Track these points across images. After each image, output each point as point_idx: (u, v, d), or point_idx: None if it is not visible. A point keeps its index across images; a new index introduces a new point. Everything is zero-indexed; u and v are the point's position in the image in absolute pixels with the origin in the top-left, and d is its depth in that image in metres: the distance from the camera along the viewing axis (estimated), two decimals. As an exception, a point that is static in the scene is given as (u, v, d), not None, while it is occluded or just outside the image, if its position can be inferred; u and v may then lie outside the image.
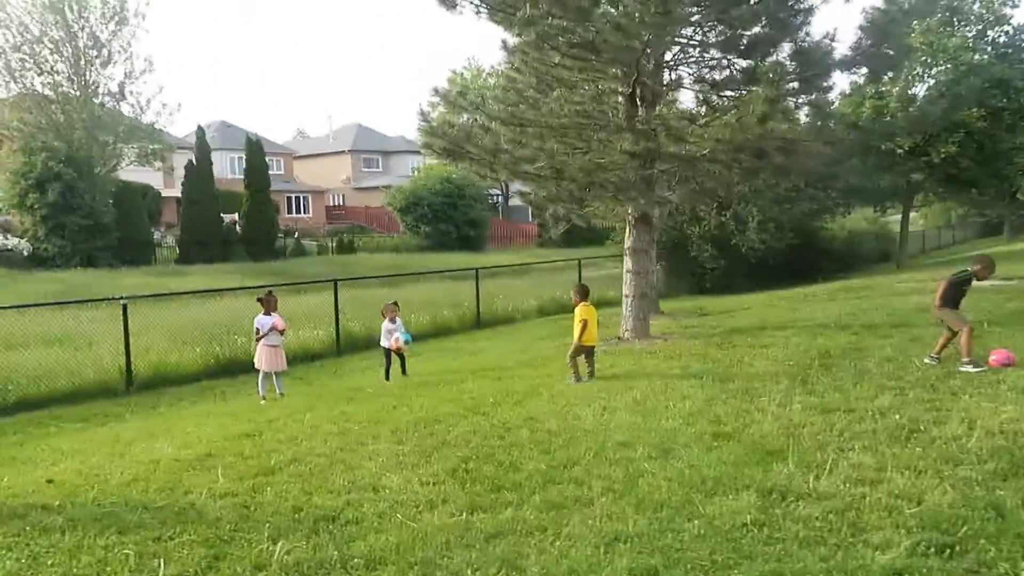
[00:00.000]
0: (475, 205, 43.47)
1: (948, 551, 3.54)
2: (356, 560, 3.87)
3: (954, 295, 7.83)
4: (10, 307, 12.95)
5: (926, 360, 7.78)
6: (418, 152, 55.19)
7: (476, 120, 15.11)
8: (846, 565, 3.48)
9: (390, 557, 3.89)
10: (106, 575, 3.87)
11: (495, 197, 52.59)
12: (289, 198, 51.29)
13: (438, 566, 3.77)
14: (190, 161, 36.17)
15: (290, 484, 5.20)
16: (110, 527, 4.49)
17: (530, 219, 50.17)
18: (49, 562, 4.07)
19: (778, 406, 6.33)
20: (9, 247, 30.98)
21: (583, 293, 8.70)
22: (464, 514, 4.38)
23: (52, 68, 34.74)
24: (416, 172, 48.21)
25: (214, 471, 5.66)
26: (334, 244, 40.08)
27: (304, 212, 52.03)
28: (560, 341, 12.43)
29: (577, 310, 8.43)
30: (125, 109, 36.74)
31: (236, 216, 38.00)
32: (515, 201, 51.52)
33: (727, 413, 6.21)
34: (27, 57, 34.30)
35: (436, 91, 18.30)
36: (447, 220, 42.00)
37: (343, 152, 59.43)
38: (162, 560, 4.00)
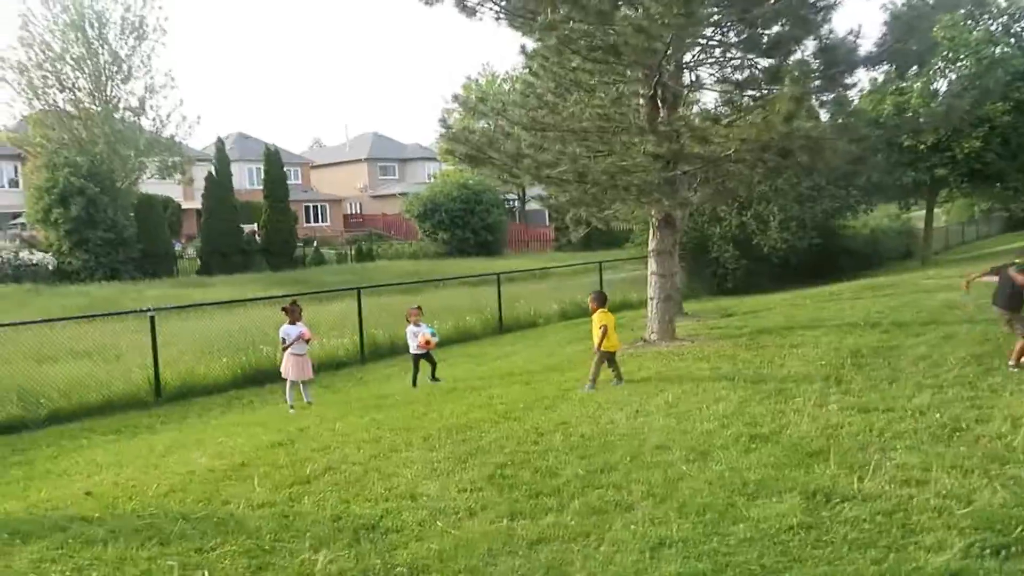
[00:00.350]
0: (492, 210, 43.47)
1: (1004, 552, 3.47)
2: (400, 569, 3.85)
3: (1020, 295, 7.41)
4: (39, 321, 13.08)
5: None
6: (434, 159, 55.39)
7: (497, 125, 15.13)
8: (899, 568, 3.42)
9: (434, 565, 3.87)
10: (151, 586, 3.89)
11: (511, 202, 52.59)
12: (307, 207, 51.59)
13: (483, 574, 3.75)
14: (210, 173, 36.48)
15: (327, 493, 5.19)
16: (152, 539, 4.51)
17: (547, 223, 50.11)
18: (94, 575, 4.09)
19: (814, 406, 6.25)
20: (34, 262, 31.36)
21: (601, 300, 8.56)
22: (505, 521, 4.35)
23: (74, 84, 35.19)
24: (433, 179, 48.42)
25: (250, 481, 5.67)
26: (353, 252, 40.23)
27: (322, 221, 52.30)
28: (584, 345, 12.37)
29: (595, 317, 8.30)
30: (145, 123, 37.16)
31: (256, 226, 38.27)
32: (532, 205, 51.49)
33: (762, 414, 6.14)
34: (49, 74, 34.76)
35: (456, 98, 18.38)
36: (464, 226, 42.02)
37: (360, 160, 59.72)
38: (206, 571, 4.00)
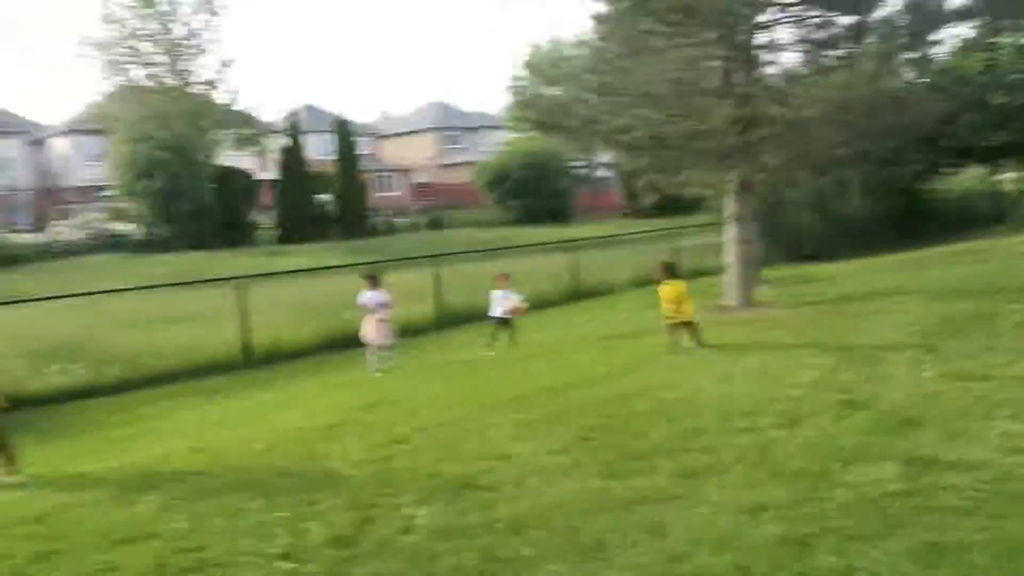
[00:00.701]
0: (561, 178, 43.23)
1: (1121, 522, 3.37)
2: (499, 525, 3.98)
3: None
4: (133, 288, 13.80)
5: None
6: (501, 127, 55.29)
7: (569, 92, 15.03)
8: (1006, 535, 3.36)
9: (532, 522, 3.98)
10: (266, 535, 4.12)
11: (581, 168, 52.12)
12: (377, 177, 52.25)
13: (580, 531, 3.84)
14: (284, 145, 37.33)
15: (420, 452, 5.38)
16: (262, 492, 4.77)
17: (615, 190, 49.54)
18: (212, 524, 4.36)
19: (906, 374, 6.11)
20: (122, 233, 32.84)
21: (668, 271, 8.32)
22: (598, 481, 4.44)
23: (151, 61, 36.38)
24: (501, 147, 48.30)
25: (344, 440, 5.91)
26: (423, 221, 40.72)
27: (392, 191, 52.95)
28: (652, 313, 12.35)
29: (663, 289, 8.12)
30: (219, 97, 38.22)
31: (328, 196, 39.04)
32: (602, 172, 50.98)
33: (853, 381, 6.03)
34: (128, 51, 36.01)
35: (527, 65, 18.17)
36: (533, 194, 41.90)
37: (427, 130, 60.07)
38: (315, 522, 4.22)
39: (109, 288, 14.39)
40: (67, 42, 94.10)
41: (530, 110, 12.17)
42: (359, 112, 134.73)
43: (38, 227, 36.90)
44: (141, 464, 6.00)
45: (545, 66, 30.65)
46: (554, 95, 16.42)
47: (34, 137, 46.86)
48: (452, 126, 61.02)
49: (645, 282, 16.70)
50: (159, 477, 5.43)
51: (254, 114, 39.24)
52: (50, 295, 13.80)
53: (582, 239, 19.81)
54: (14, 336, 11.98)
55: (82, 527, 4.54)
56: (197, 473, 5.42)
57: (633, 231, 23.45)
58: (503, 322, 10.19)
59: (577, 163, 48.30)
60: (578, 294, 16.11)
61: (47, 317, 13.57)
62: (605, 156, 41.47)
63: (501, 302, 10.12)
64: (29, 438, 7.24)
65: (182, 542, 4.14)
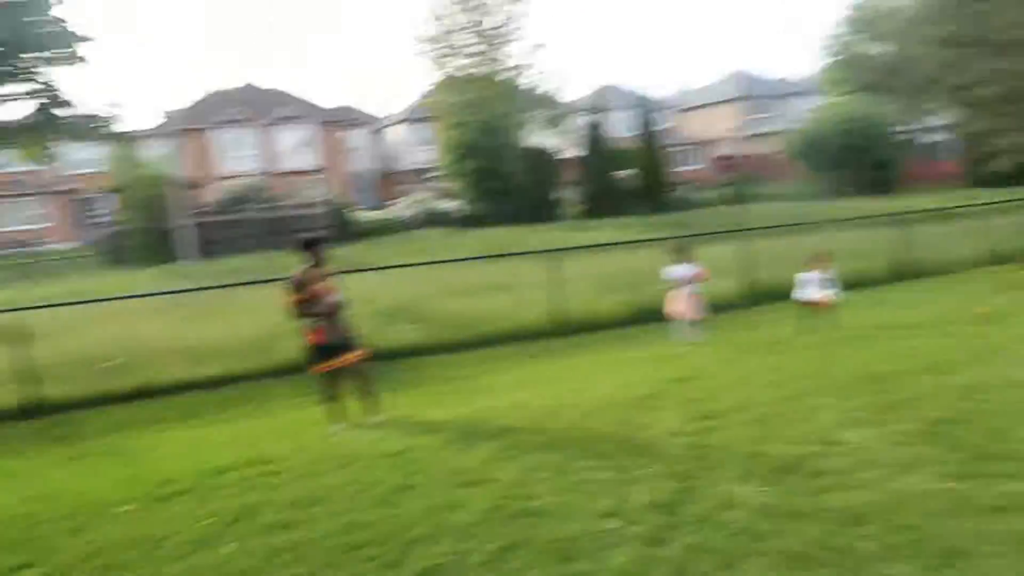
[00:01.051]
0: (884, 144, 38.82)
1: None
2: (831, 514, 3.75)
3: None
4: (459, 260, 15.25)
5: None
6: (809, 92, 51.26)
7: (903, 46, 13.45)
8: None
9: (869, 516, 3.69)
10: (590, 493, 4.31)
11: (906, 133, 46.52)
12: (678, 152, 51.60)
13: (929, 533, 3.47)
14: (587, 123, 38.47)
15: (738, 430, 5.24)
16: (584, 453, 5.00)
17: (949, 156, 43.43)
18: (540, 476, 4.67)
19: None
20: (447, 209, 36.42)
21: None
22: (949, 482, 3.96)
23: (470, 51, 39.53)
24: (810, 114, 44.81)
25: (659, 411, 5.96)
26: (726, 194, 39.39)
27: (693, 164, 51.98)
28: (1011, 296, 10.65)
29: None
30: (527, 81, 40.37)
31: (630, 172, 39.47)
32: (931, 136, 45.04)
33: None
34: (449, 44, 39.52)
35: (849, 21, 16.72)
36: (851, 163, 38.23)
37: (727, 101, 57.81)
38: (636, 487, 4.32)
39: (438, 259, 16.01)
40: (401, 38, 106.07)
41: (854, 70, 11.10)
42: (659, 87, 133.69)
43: (379, 205, 42.47)
44: (472, 416, 6.61)
45: (871, 20, 27.31)
46: (883, 51, 14.85)
47: (375, 127, 53.74)
48: (753, 95, 57.98)
49: (995, 260, 14.49)
50: (488, 429, 5.94)
51: (558, 95, 40.90)
52: (390, 264, 15.75)
53: (911, 212, 17.70)
54: (364, 299, 13.84)
55: (430, 466, 5.14)
56: (522, 429, 5.84)
57: (975, 202, 20.41)
58: (811, 305, 9.51)
59: (902, 127, 43.15)
60: (906, 273, 14.45)
61: (387, 283, 15.49)
62: (941, 117, 36.35)
63: (811, 285, 9.45)
64: (381, 386, 8.34)
65: (514, 489, 4.50)
